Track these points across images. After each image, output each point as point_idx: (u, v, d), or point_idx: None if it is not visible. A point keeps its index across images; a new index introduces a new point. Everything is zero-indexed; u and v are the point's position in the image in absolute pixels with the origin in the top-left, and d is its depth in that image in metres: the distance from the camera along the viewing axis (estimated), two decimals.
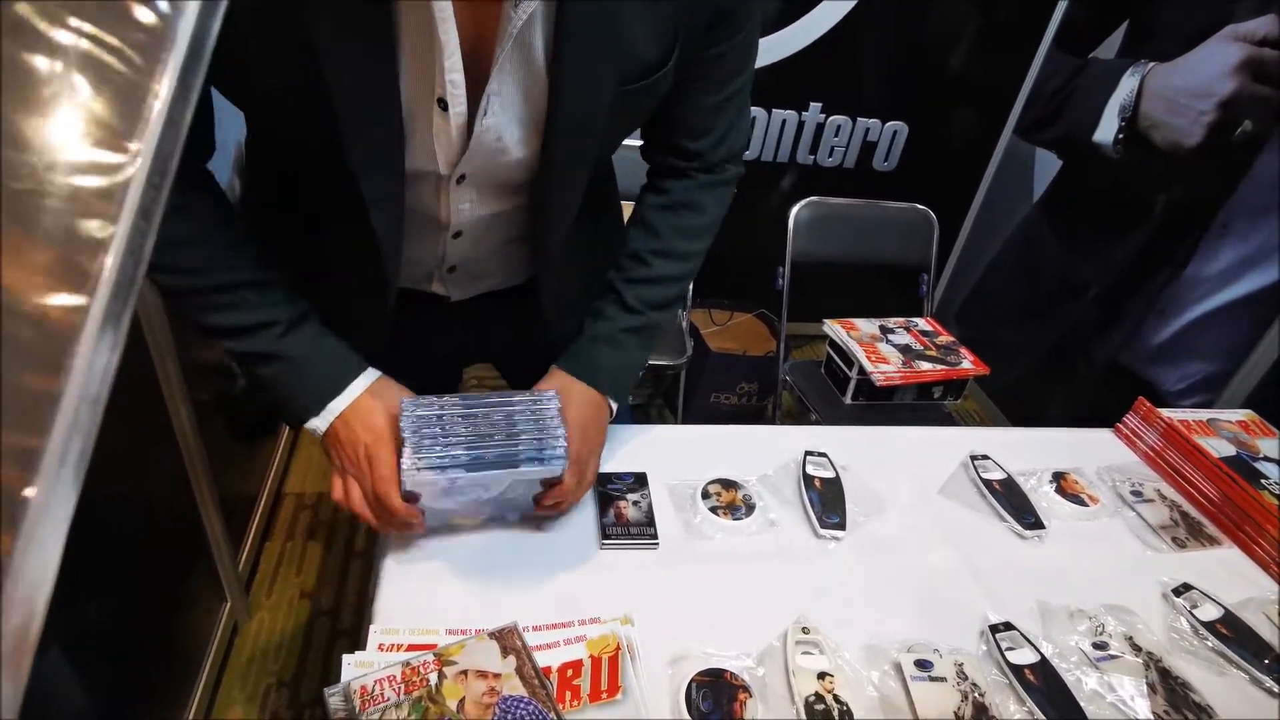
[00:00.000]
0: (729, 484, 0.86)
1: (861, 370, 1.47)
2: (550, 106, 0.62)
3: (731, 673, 0.64)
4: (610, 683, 0.62)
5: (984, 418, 2.42)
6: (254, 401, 1.64)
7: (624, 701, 0.62)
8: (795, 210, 1.73)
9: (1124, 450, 1.04)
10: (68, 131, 0.25)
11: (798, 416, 1.99)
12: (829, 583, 0.77)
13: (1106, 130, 1.95)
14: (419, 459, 0.64)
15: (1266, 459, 0.97)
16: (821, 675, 0.65)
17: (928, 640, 0.70)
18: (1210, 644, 0.74)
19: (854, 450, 0.93)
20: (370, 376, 0.71)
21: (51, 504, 0.23)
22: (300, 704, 1.37)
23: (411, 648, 0.63)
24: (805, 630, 0.69)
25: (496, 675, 0.60)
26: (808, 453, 0.91)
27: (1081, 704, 0.66)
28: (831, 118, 2.20)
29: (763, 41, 1.75)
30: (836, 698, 0.64)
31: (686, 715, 0.61)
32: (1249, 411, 1.08)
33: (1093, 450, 1.02)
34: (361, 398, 0.69)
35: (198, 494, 1.25)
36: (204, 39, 0.27)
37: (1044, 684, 0.67)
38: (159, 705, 1.16)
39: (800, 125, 2.20)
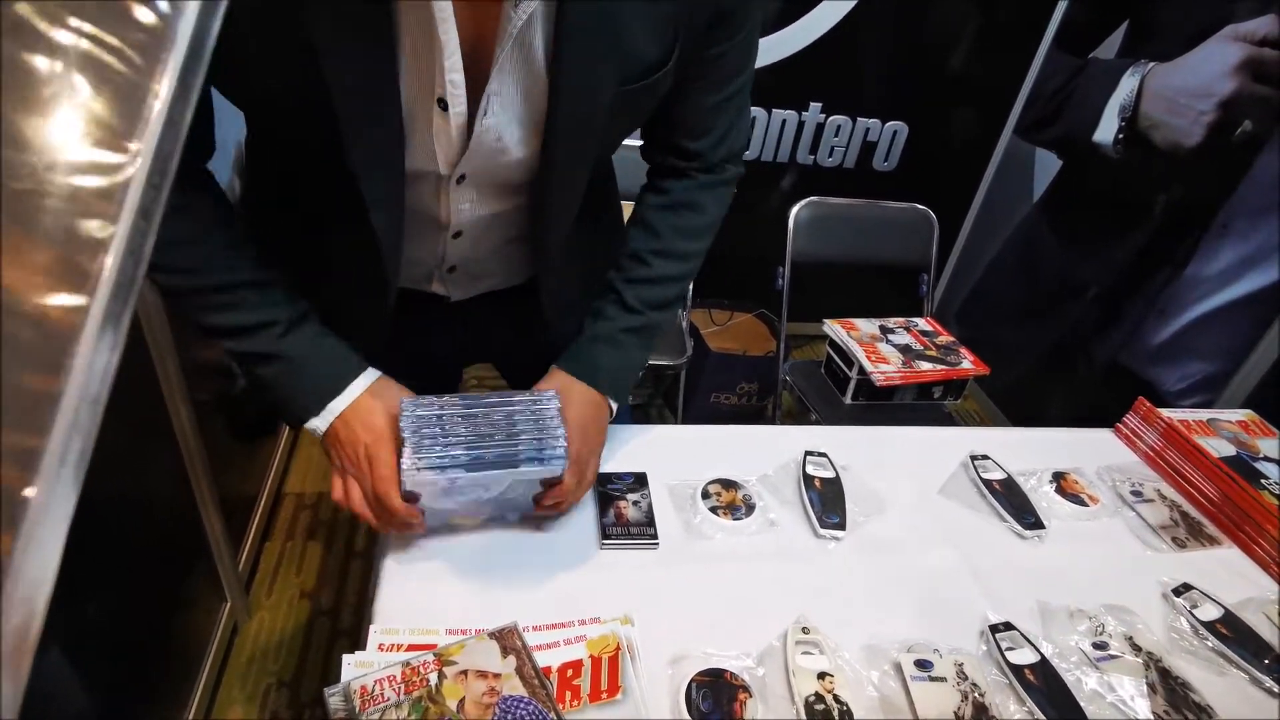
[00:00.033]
0: (729, 484, 0.86)
1: (861, 370, 1.47)
2: (550, 107, 0.62)
3: (731, 673, 0.64)
4: (610, 683, 0.62)
5: (984, 418, 2.42)
6: (254, 401, 1.64)
7: (624, 701, 0.62)
8: (795, 210, 1.73)
9: (1124, 450, 1.04)
10: (68, 131, 0.25)
11: (798, 416, 1.99)
12: (829, 583, 0.77)
13: (1106, 130, 1.95)
14: (419, 459, 0.64)
15: (1266, 459, 0.97)
16: (821, 675, 0.65)
17: (928, 640, 0.70)
18: (1210, 644, 0.74)
19: (854, 450, 0.93)
20: (370, 376, 0.71)
21: (51, 504, 0.23)
22: (300, 704, 1.37)
23: (411, 648, 0.63)
24: (805, 630, 0.69)
25: (496, 675, 0.60)
26: (808, 453, 0.91)
27: (1081, 704, 0.66)
28: (831, 118, 2.20)
29: (763, 41, 1.74)
30: (836, 698, 0.64)
31: (686, 715, 0.61)
32: (1249, 411, 1.08)
33: (1093, 450, 1.02)
34: (361, 398, 0.69)
35: (198, 494, 1.25)
36: (204, 39, 0.27)
37: (1044, 684, 0.67)
38: (159, 705, 1.16)
39: (800, 125, 2.20)
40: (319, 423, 0.69)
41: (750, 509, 0.83)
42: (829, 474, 0.89)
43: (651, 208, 0.82)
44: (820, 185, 2.23)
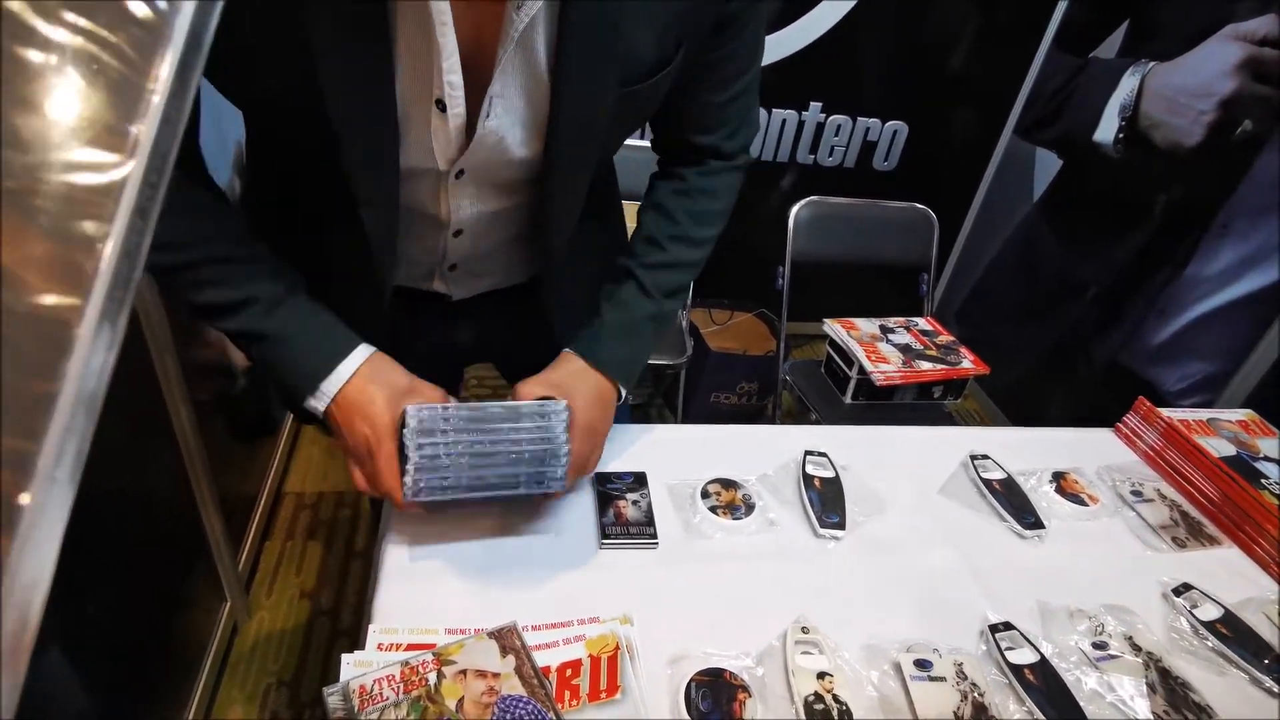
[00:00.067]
0: (729, 484, 0.86)
1: (861, 370, 1.47)
2: (552, 109, 0.62)
3: (731, 672, 0.64)
4: (609, 682, 0.62)
5: (984, 418, 2.42)
6: (254, 401, 1.64)
7: (623, 701, 0.62)
8: (795, 210, 1.73)
9: (1124, 450, 1.04)
10: (63, 129, 0.25)
11: (798, 416, 1.99)
12: (829, 583, 0.77)
13: (1106, 130, 1.95)
14: (419, 478, 0.65)
15: (1266, 459, 0.97)
16: (821, 675, 0.65)
17: (927, 640, 0.70)
18: (1210, 644, 0.74)
19: (854, 450, 0.93)
20: (363, 354, 0.68)
21: (48, 505, 0.23)
22: (300, 704, 1.37)
23: (410, 647, 0.63)
24: (805, 630, 0.69)
25: (495, 675, 0.60)
26: (807, 452, 0.91)
27: (1081, 704, 0.65)
28: (831, 117, 2.20)
29: None
30: (836, 697, 0.64)
31: (686, 715, 0.61)
32: (1249, 411, 1.08)
33: (1093, 450, 1.02)
34: (357, 382, 0.67)
35: (197, 493, 1.25)
36: (201, 35, 0.27)
37: (1044, 684, 0.67)
38: (159, 705, 1.16)
39: (800, 125, 2.20)
40: (316, 404, 0.67)
41: (750, 509, 0.83)
42: (829, 474, 0.89)
43: (666, 193, 0.81)
44: (820, 185, 2.23)
